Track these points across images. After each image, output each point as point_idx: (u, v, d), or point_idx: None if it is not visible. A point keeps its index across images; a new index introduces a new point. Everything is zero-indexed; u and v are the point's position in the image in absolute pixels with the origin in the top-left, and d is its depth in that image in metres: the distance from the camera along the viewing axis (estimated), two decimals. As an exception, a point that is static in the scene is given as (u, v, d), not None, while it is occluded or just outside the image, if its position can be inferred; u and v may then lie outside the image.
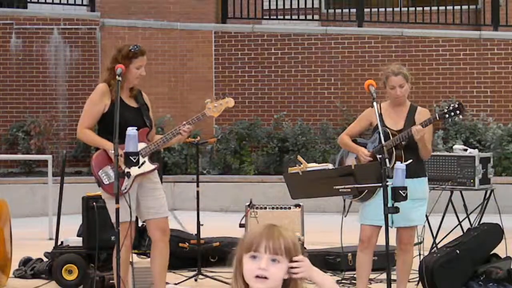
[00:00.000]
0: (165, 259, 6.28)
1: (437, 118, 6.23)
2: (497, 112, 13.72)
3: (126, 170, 5.71)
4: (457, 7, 14.87)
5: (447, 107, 6.26)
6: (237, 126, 13.68)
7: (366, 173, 5.71)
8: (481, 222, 7.79)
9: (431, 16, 14.54)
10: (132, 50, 6.14)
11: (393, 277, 6.01)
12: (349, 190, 5.77)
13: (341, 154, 6.62)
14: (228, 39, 14.40)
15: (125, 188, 5.86)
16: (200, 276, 7.50)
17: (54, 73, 13.89)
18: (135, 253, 7.23)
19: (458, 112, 6.18)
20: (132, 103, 6.24)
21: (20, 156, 13.18)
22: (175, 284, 7.18)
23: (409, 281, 6.59)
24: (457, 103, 6.27)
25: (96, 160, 6.15)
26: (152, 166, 6.16)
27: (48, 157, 10.66)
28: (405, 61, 13.10)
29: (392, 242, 5.67)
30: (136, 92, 6.30)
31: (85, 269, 7.18)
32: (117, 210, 5.68)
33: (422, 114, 6.33)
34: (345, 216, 6.24)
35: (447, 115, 6.20)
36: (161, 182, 6.46)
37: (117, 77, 5.92)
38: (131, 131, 5.68)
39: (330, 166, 7.02)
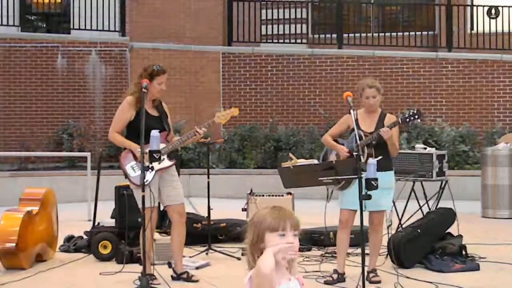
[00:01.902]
0: (182, 237, 6.27)
1: (400, 122, 6.21)
2: (450, 118, 13.72)
3: (150, 165, 5.72)
4: (418, 33, 14.88)
5: (407, 113, 6.24)
6: (240, 129, 13.67)
7: (344, 167, 5.70)
8: (438, 207, 7.79)
9: (397, 40, 14.55)
10: (155, 69, 6.15)
11: (367, 251, 6.00)
12: (330, 181, 5.76)
13: (324, 152, 6.61)
14: (233, 59, 14.39)
15: (148, 180, 5.85)
16: (210, 251, 7.48)
17: (92, 86, 13.89)
18: (157, 232, 7.22)
19: (417, 116, 6.16)
20: (154, 112, 6.24)
21: (64, 154, 13.18)
22: (190, 257, 7.17)
23: (379, 255, 6.58)
24: (415, 109, 6.26)
25: (123, 157, 6.17)
26: (170, 163, 6.15)
27: (87, 154, 10.65)
28: (376, 77, 13.08)
29: (366, 223, 5.66)
30: (157, 103, 6.30)
31: (117, 245, 7.16)
32: (143, 197, 5.67)
33: (389, 119, 6.31)
34: (328, 202, 6.22)
35: (407, 119, 6.18)
36: (179, 174, 6.44)
37: (143, 89, 5.95)
38: (155, 133, 5.70)
39: (315, 161, 7.01)
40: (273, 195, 7.78)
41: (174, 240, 6.28)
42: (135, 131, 5.90)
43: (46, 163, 13.40)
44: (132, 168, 6.08)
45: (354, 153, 5.60)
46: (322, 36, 15.03)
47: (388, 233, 7.03)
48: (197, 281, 6.22)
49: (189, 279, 6.21)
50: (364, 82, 6.32)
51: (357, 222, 5.63)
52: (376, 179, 5.12)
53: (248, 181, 12.16)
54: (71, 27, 14.52)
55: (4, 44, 13.70)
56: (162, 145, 5.97)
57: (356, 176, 5.25)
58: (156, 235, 7.06)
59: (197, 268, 6.77)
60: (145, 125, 5.78)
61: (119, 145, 6.38)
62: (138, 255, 6.57)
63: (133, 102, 6.12)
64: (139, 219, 5.94)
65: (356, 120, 5.93)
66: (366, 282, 5.50)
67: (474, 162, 12.65)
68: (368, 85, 6.24)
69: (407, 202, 7.95)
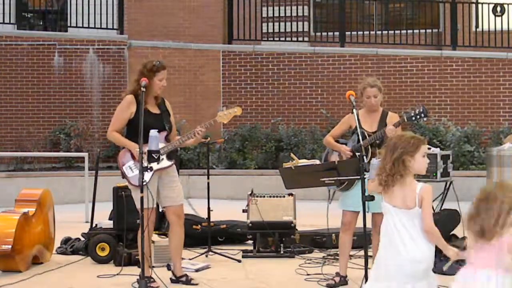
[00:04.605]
0: (180, 238, 6.27)
1: (405, 120, 6.20)
2: (455, 118, 13.71)
3: (149, 165, 5.72)
4: (423, 31, 14.88)
5: (413, 111, 6.23)
6: (240, 129, 13.67)
7: (346, 167, 5.70)
8: (442, 208, 7.78)
9: (401, 38, 14.54)
10: (156, 64, 6.16)
11: (370, 253, 6.00)
12: (332, 181, 5.76)
13: (326, 152, 6.61)
14: (233, 57, 14.39)
15: (145, 180, 5.85)
16: (210, 253, 7.48)
17: (90, 85, 13.89)
18: (156, 233, 7.23)
19: (423, 115, 6.15)
20: (155, 110, 6.24)
21: (61, 154, 13.19)
22: (189, 259, 7.17)
23: (382, 257, 6.56)
24: (421, 107, 6.24)
25: (121, 157, 6.16)
26: (169, 163, 6.15)
27: (84, 154, 10.65)
28: (379, 75, 13.09)
29: (369, 225, 5.65)
30: (160, 101, 6.30)
31: (115, 247, 7.17)
32: (141, 198, 5.67)
33: (392, 117, 6.31)
34: (329, 203, 6.22)
35: (413, 118, 6.17)
36: (178, 175, 6.44)
37: (141, 88, 5.95)
38: (153, 133, 5.69)
39: (317, 162, 7.00)
40: (274, 196, 7.77)
41: (172, 242, 6.28)
42: (135, 129, 5.91)
43: (43, 164, 13.40)
44: (130, 168, 6.08)
45: (357, 154, 5.60)
46: (324, 34, 15.03)
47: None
48: (196, 284, 6.22)
49: (188, 282, 6.22)
50: (365, 81, 6.32)
51: (360, 223, 5.62)
52: (379, 180, 5.10)
53: (248, 181, 12.16)
54: (68, 24, 14.52)
55: (0, 42, 13.71)
56: (161, 145, 5.97)
57: (358, 177, 5.25)
58: (155, 237, 7.06)
59: (196, 270, 6.77)
60: (145, 123, 5.79)
61: (117, 144, 6.39)
62: (137, 257, 6.57)
63: (133, 100, 6.13)
64: (138, 221, 5.94)
65: (359, 119, 5.93)
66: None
67: (480, 163, 12.64)
68: (369, 84, 6.24)
69: (410, 203, 7.92)
